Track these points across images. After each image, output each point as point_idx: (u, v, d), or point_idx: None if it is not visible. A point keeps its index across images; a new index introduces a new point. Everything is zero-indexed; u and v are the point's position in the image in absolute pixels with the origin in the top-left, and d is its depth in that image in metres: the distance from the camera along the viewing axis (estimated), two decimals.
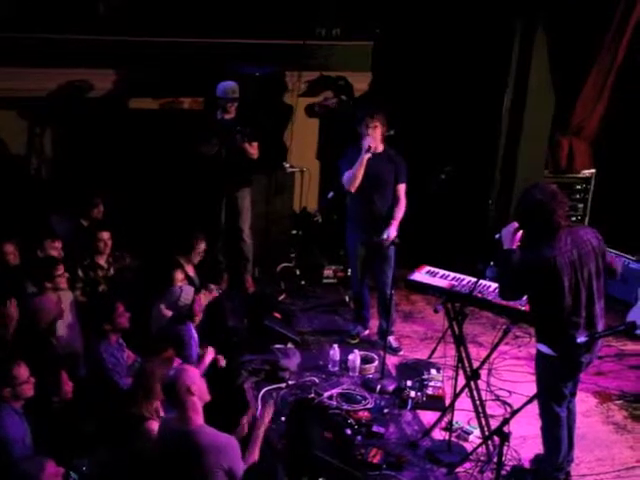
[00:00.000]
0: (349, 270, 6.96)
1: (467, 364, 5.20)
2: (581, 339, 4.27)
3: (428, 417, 5.53)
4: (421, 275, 5.57)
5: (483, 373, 5.39)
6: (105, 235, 6.36)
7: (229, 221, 7.17)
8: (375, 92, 8.19)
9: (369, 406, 5.63)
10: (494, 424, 5.07)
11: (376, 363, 6.16)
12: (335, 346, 6.18)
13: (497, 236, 4.58)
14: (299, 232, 8.11)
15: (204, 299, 5.80)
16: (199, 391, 4.06)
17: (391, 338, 6.40)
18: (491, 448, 5.03)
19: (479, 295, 5.19)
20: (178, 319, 5.52)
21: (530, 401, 4.10)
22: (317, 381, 5.94)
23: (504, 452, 4.26)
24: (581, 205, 7.81)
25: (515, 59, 7.16)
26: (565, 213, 4.41)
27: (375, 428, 5.33)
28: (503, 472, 4.68)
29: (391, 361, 6.28)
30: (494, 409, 5.57)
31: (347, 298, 7.22)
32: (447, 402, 5.52)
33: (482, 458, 5.02)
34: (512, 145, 7.38)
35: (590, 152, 7.77)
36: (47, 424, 4.35)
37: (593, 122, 7.56)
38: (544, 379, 4.62)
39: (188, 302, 5.52)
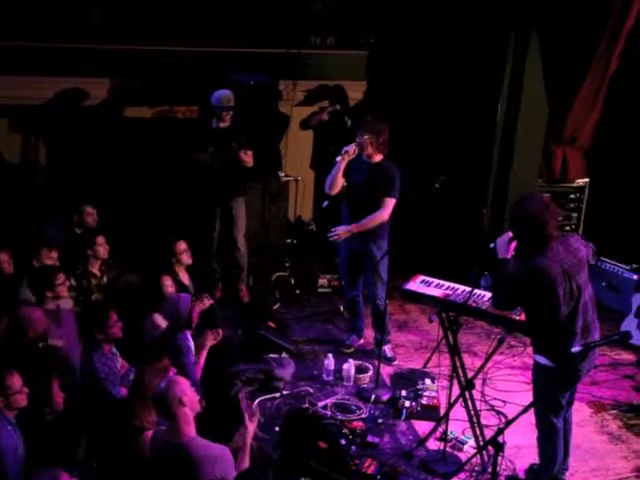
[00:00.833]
0: None
1: (462, 374, 5.18)
2: (576, 349, 4.26)
3: (423, 427, 5.53)
4: (415, 284, 5.55)
5: (478, 383, 5.40)
6: (100, 239, 6.31)
7: (223, 230, 7.15)
8: (370, 101, 8.22)
9: (363, 416, 5.62)
10: (489, 434, 5.07)
11: (370, 373, 6.15)
12: (330, 355, 6.18)
13: (492, 245, 4.58)
14: (294, 241, 8.11)
15: (197, 308, 5.78)
16: (190, 402, 4.04)
17: (386, 348, 6.39)
18: (486, 458, 5.02)
19: (474, 304, 5.15)
20: (176, 328, 5.50)
21: (525, 411, 4.08)
22: (311, 391, 5.93)
23: (499, 462, 4.24)
24: (575, 214, 7.82)
25: (509, 69, 7.17)
26: (557, 224, 4.41)
27: (370, 438, 5.32)
28: None
29: (386, 371, 6.27)
30: (489, 419, 5.57)
31: (342, 307, 7.20)
32: (442, 412, 5.50)
33: (477, 468, 5.01)
34: (506, 154, 7.38)
35: (584, 161, 7.79)
36: (40, 435, 4.31)
37: (587, 131, 7.58)
38: (542, 390, 4.60)
39: (187, 311, 5.50)
